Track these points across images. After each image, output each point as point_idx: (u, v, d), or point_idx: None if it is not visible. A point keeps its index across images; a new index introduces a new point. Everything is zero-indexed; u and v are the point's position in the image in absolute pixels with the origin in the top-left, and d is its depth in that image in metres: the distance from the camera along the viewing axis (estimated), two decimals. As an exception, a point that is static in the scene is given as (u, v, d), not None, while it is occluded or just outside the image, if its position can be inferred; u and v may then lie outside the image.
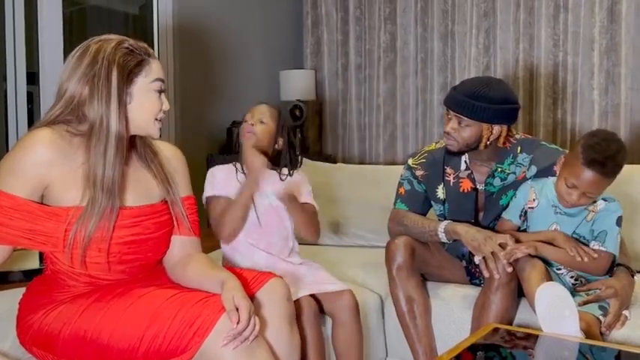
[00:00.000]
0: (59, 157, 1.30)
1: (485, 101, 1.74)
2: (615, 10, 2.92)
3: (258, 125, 1.85)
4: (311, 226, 1.84)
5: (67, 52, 2.67)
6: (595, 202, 1.67)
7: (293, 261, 1.84)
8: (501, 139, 1.81)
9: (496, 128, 1.78)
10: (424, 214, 1.97)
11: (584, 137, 1.64)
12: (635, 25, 2.88)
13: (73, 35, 2.95)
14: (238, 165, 1.87)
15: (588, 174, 1.57)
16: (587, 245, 1.67)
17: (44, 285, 1.40)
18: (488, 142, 1.80)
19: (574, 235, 1.69)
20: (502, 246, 1.67)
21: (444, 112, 1.85)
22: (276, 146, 1.87)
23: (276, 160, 1.87)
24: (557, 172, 1.69)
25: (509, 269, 1.64)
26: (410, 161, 1.99)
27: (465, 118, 1.76)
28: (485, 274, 1.68)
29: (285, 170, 1.87)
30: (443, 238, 1.81)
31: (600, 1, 2.94)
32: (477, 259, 1.72)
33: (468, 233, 1.74)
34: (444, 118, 1.85)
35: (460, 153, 1.85)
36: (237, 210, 1.77)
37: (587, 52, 2.99)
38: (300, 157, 1.93)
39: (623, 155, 1.61)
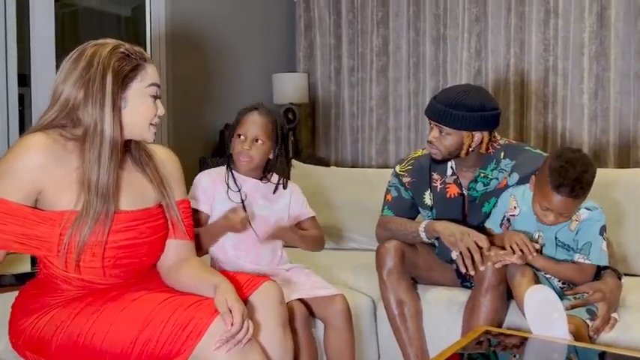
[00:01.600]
0: (53, 161, 1.30)
1: (463, 109, 1.76)
2: (604, 16, 2.96)
3: (254, 147, 1.74)
4: (316, 247, 1.84)
5: (58, 55, 2.67)
6: (578, 209, 1.69)
7: (282, 268, 1.83)
8: (484, 146, 1.83)
9: (477, 135, 1.80)
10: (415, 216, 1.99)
11: (550, 159, 1.65)
12: (624, 30, 2.92)
13: (65, 37, 2.94)
14: (229, 177, 1.78)
15: (558, 198, 1.61)
16: (570, 251, 1.70)
17: (37, 289, 1.40)
18: (470, 150, 1.82)
19: (556, 241, 1.71)
20: (477, 244, 1.69)
21: (428, 121, 1.87)
22: (270, 156, 1.80)
23: (266, 167, 1.81)
24: (532, 193, 1.71)
25: (498, 265, 1.66)
26: (397, 168, 2.01)
27: (445, 127, 1.78)
28: (462, 269, 1.70)
29: (274, 179, 1.82)
30: (424, 237, 1.83)
31: (590, 6, 2.97)
32: (453, 255, 1.75)
33: (446, 229, 1.76)
34: (428, 127, 1.87)
35: (444, 161, 1.87)
36: (212, 239, 1.72)
37: (577, 57, 3.02)
38: (289, 163, 1.88)
39: (590, 173, 1.63)
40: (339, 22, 3.72)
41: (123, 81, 1.32)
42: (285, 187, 1.84)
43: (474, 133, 1.79)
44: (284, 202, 1.84)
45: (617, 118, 2.95)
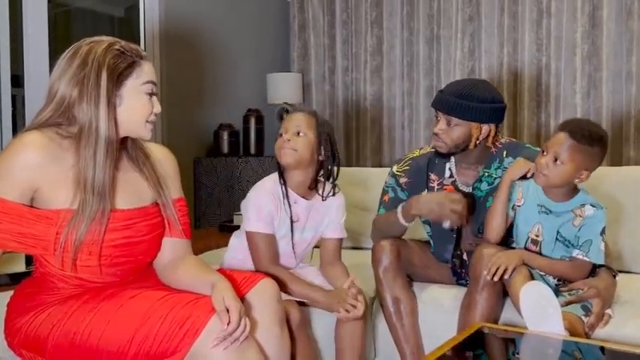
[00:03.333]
0: (49, 159, 1.30)
1: (474, 100, 1.77)
2: (596, 16, 2.98)
3: (295, 139, 1.69)
4: None
5: (52, 55, 2.66)
6: (583, 205, 1.68)
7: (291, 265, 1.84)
8: (490, 139, 1.84)
9: (484, 128, 1.80)
10: None
11: None
12: (616, 30, 2.94)
13: (58, 38, 2.93)
14: (284, 186, 1.72)
15: (559, 135, 1.64)
16: (570, 247, 1.70)
17: (33, 287, 1.39)
18: (477, 142, 1.82)
19: (557, 236, 1.72)
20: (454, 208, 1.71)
21: (434, 114, 1.87)
22: (320, 157, 1.72)
23: (317, 174, 1.75)
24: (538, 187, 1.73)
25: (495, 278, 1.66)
26: (394, 168, 2.01)
27: (454, 118, 1.78)
28: (450, 226, 1.73)
29: (328, 187, 1.78)
30: (403, 221, 1.83)
31: (582, 6, 2.99)
32: (445, 226, 1.77)
33: (423, 208, 1.77)
34: (433, 121, 1.87)
35: (449, 155, 1.87)
36: (302, 297, 1.68)
37: (569, 57, 3.04)
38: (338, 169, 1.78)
39: (599, 132, 1.65)
40: (333, 22, 3.73)
41: (118, 78, 1.31)
42: (333, 195, 1.79)
43: (482, 125, 1.80)
44: (328, 213, 1.81)
45: (610, 118, 2.98)
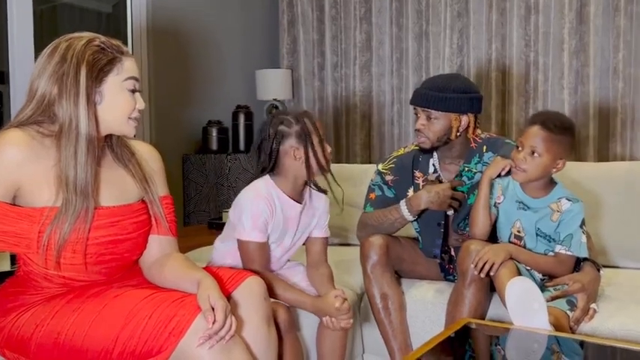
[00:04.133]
0: (31, 157, 1.28)
1: (450, 92, 1.82)
2: (584, 12, 2.99)
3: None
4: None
5: (37, 52, 2.63)
6: (560, 199, 1.71)
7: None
8: (470, 130, 1.87)
9: (464, 118, 1.85)
10: None
11: None
12: (603, 26, 2.95)
13: (44, 34, 2.90)
14: (269, 194, 1.66)
15: (532, 129, 1.69)
16: (551, 242, 1.72)
17: (16, 287, 1.38)
18: (458, 134, 1.85)
19: (537, 231, 1.73)
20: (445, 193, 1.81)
21: (414, 112, 1.90)
22: (299, 158, 1.66)
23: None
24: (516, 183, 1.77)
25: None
26: (380, 166, 2.03)
27: (433, 112, 1.83)
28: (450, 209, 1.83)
29: (315, 193, 1.76)
30: (409, 217, 1.87)
31: (570, 2, 3.00)
32: (450, 212, 1.89)
33: (426, 201, 1.83)
34: (414, 119, 1.90)
35: (432, 149, 1.89)
36: (288, 302, 1.65)
37: (557, 53, 3.05)
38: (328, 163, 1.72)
39: (568, 121, 1.72)
40: (322, 18, 3.72)
41: (98, 75, 1.30)
42: (325, 192, 1.78)
43: (461, 116, 1.84)
44: (316, 215, 1.79)
45: (597, 113, 2.99)
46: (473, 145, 1.91)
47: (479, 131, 1.94)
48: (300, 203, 1.75)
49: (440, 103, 1.82)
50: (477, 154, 1.90)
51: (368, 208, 2.00)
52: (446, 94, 1.82)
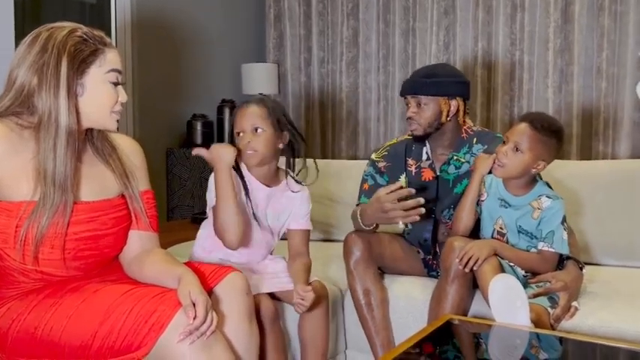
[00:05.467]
0: (9, 150, 1.26)
1: (437, 77, 1.88)
2: (569, 11, 3.01)
3: (254, 139, 1.65)
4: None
5: (17, 41, 2.59)
6: (540, 197, 1.72)
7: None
8: (460, 115, 1.91)
9: (453, 103, 1.89)
10: None
11: None
12: (587, 25, 2.98)
13: (26, 24, 2.84)
14: (240, 173, 1.69)
15: (519, 126, 1.72)
16: (533, 239, 1.73)
17: (-8, 281, 1.35)
18: (448, 119, 1.89)
19: (518, 228, 1.75)
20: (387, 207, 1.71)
21: (405, 102, 1.93)
22: (280, 145, 1.70)
23: (284, 156, 1.72)
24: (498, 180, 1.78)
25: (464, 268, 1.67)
26: (373, 155, 2.06)
27: (423, 97, 1.87)
28: (403, 223, 1.74)
29: (292, 181, 1.76)
30: (364, 227, 1.87)
31: (555, 1, 3.02)
32: (400, 227, 1.81)
33: (372, 219, 1.81)
34: (405, 110, 1.93)
35: (425, 136, 1.91)
36: (225, 208, 1.58)
37: (542, 51, 3.07)
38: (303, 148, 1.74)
39: (557, 125, 1.74)
40: (309, 12, 3.70)
41: (79, 66, 1.27)
42: (304, 183, 1.78)
43: (450, 100, 1.88)
44: (290, 204, 1.78)
45: (580, 112, 3.02)
46: (464, 135, 1.94)
47: (471, 123, 1.97)
48: (270, 187, 1.74)
49: (428, 87, 1.86)
50: (467, 145, 1.93)
51: (363, 199, 1.99)
52: (433, 78, 1.87)
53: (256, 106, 1.69)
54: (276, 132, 1.69)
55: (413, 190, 1.72)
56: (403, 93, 1.92)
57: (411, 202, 1.69)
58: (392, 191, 1.71)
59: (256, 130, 1.67)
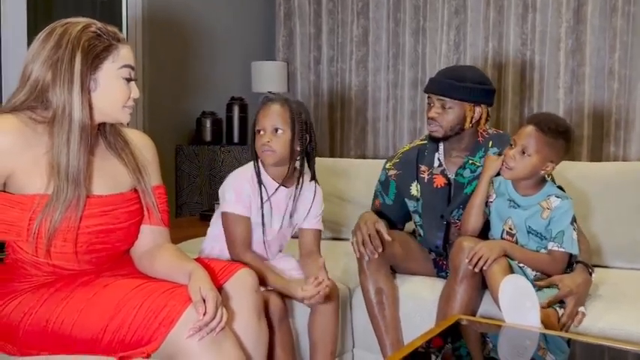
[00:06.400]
0: (23, 144, 1.26)
1: (467, 82, 1.83)
2: (581, 12, 2.99)
3: (274, 139, 1.66)
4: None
5: (30, 38, 2.61)
6: (549, 197, 1.72)
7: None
8: (482, 122, 1.89)
9: (477, 110, 1.86)
10: (402, 221, 2.07)
11: None
12: (600, 26, 2.96)
13: (38, 21, 2.86)
14: (259, 173, 1.71)
15: (526, 128, 1.70)
16: (543, 240, 1.72)
17: (4, 274, 1.36)
18: (470, 125, 1.87)
19: (528, 229, 1.74)
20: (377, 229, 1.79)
21: (427, 100, 1.90)
22: (298, 148, 1.70)
23: (296, 161, 1.73)
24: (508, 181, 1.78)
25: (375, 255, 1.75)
26: (387, 164, 2.06)
27: (449, 101, 1.83)
28: (357, 254, 1.81)
29: (306, 177, 1.77)
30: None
31: (567, 2, 3.00)
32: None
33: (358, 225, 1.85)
34: (426, 107, 1.90)
35: (444, 139, 1.89)
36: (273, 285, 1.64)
37: (553, 52, 3.05)
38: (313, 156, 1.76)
39: (564, 125, 1.71)
40: (319, 11, 3.70)
41: (93, 62, 1.27)
42: (315, 181, 1.79)
43: (475, 106, 1.85)
44: (306, 204, 1.79)
45: (591, 113, 3.00)
46: (480, 138, 1.92)
47: (486, 126, 1.95)
48: (288, 187, 1.74)
49: (456, 91, 1.82)
50: (483, 149, 1.91)
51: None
52: (463, 83, 1.82)
53: (280, 106, 1.69)
54: (295, 135, 1.69)
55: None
56: (428, 91, 1.87)
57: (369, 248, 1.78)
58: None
59: (276, 130, 1.67)
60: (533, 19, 3.10)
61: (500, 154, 1.81)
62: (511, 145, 1.72)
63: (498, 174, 1.78)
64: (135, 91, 1.36)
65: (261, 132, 1.69)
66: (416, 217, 2.01)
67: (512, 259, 1.72)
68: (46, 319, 1.27)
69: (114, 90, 1.32)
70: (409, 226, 2.12)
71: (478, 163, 1.90)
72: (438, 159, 1.95)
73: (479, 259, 1.65)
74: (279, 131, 1.67)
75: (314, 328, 1.73)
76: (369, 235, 1.78)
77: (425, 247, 2.03)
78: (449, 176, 1.93)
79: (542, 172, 1.71)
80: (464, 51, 3.28)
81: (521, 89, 3.18)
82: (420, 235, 2.04)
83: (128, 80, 1.34)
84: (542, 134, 1.67)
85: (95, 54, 1.28)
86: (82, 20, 1.31)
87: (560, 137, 1.69)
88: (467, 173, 1.92)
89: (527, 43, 3.13)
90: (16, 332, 1.29)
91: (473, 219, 1.79)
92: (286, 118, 1.68)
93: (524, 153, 1.68)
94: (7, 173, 1.27)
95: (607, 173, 2.28)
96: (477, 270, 1.66)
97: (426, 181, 1.95)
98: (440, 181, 1.94)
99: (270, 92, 3.55)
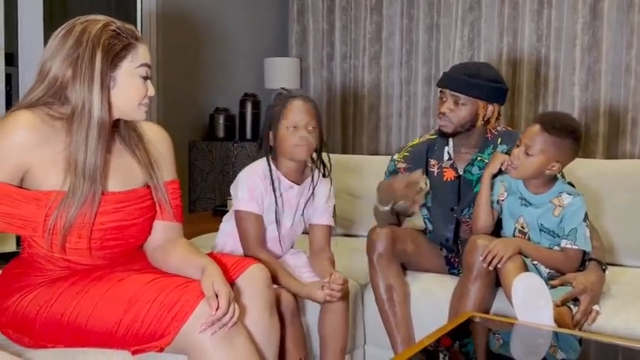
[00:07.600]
0: (40, 140, 1.28)
1: (482, 79, 1.82)
2: (597, 8, 2.96)
3: (311, 135, 1.69)
4: None
5: (47, 34, 2.63)
6: (560, 194, 1.71)
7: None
8: (493, 120, 1.88)
9: (490, 107, 1.85)
10: None
11: None
12: (617, 22, 2.92)
13: (54, 16, 2.89)
14: (270, 170, 1.72)
15: (533, 127, 1.68)
16: (556, 237, 1.71)
17: (20, 268, 1.38)
18: (482, 122, 1.86)
19: (540, 227, 1.73)
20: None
21: (439, 94, 1.89)
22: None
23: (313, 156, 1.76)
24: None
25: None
26: (395, 156, 2.05)
27: (463, 97, 1.82)
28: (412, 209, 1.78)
29: (316, 173, 1.79)
30: (380, 206, 1.88)
31: (583, -3, 2.97)
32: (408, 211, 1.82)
33: (383, 195, 1.84)
34: (438, 102, 1.89)
35: (453, 134, 1.89)
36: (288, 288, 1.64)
37: (569, 48, 3.02)
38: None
39: (572, 125, 1.69)
40: (332, 7, 3.69)
41: (113, 60, 1.28)
42: (325, 176, 1.81)
43: (488, 104, 1.84)
44: (317, 200, 1.80)
45: (607, 111, 2.97)
46: (489, 135, 1.91)
47: (498, 122, 1.94)
48: (299, 185, 1.74)
49: (470, 88, 1.81)
50: (492, 145, 1.90)
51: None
52: (477, 80, 1.81)
53: (307, 102, 1.72)
54: (322, 130, 1.74)
55: (422, 179, 1.76)
56: (442, 85, 1.86)
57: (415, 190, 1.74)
58: (409, 181, 1.76)
59: (309, 125, 1.70)
60: (549, 14, 3.07)
61: (508, 153, 1.79)
62: (518, 144, 1.71)
63: (501, 171, 1.77)
64: (151, 89, 1.37)
65: (293, 127, 1.69)
66: (423, 211, 2.01)
67: (526, 257, 1.71)
68: (62, 312, 1.29)
69: (131, 88, 1.33)
70: (420, 223, 2.11)
71: (487, 160, 1.89)
72: (448, 152, 1.95)
73: (493, 258, 1.64)
74: (312, 126, 1.70)
75: (324, 325, 1.73)
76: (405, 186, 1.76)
77: (435, 242, 2.02)
78: (458, 170, 1.93)
79: (548, 172, 1.68)
80: (478, 47, 3.26)
81: (535, 86, 3.15)
82: (429, 230, 2.03)
83: (145, 78, 1.35)
84: (548, 134, 1.65)
85: (115, 52, 1.29)
86: (101, 18, 1.32)
87: (566, 137, 1.66)
88: (475, 170, 1.91)
89: (542, 39, 3.10)
90: (32, 325, 1.30)
91: (482, 216, 1.79)
92: (314, 114, 1.72)
93: (528, 152, 1.66)
94: (25, 169, 1.28)
95: (622, 171, 2.26)
96: (491, 268, 1.65)
97: (435, 174, 1.95)
98: (450, 174, 1.94)
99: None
